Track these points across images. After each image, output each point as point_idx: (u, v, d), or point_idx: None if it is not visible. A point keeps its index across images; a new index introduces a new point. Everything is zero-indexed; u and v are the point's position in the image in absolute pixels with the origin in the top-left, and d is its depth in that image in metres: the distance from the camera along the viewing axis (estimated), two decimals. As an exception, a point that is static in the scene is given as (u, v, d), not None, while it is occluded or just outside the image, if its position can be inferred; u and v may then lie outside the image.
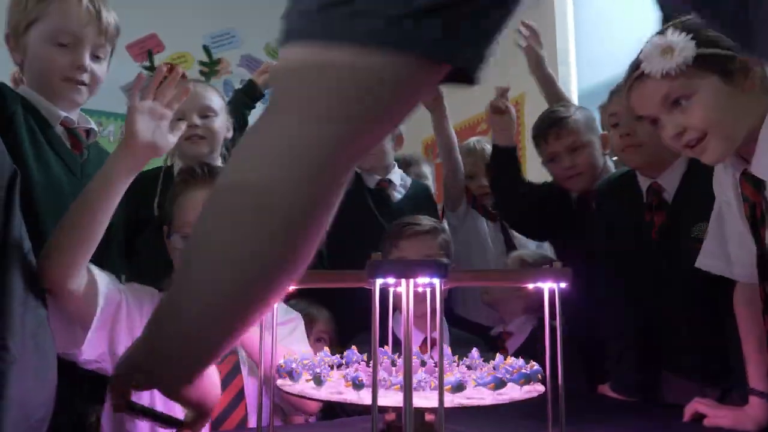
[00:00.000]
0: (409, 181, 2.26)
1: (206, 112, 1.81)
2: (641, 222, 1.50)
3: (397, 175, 2.22)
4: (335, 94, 0.50)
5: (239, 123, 2.07)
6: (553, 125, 1.82)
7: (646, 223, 1.48)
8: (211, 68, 3.20)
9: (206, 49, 2.30)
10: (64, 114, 1.38)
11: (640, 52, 1.13)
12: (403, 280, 0.66)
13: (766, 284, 1.14)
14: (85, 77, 1.37)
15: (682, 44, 1.06)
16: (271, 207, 0.54)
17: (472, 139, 2.47)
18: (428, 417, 0.86)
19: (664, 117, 1.14)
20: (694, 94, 1.09)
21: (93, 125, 1.48)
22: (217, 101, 1.86)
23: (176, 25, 4.00)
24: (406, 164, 2.59)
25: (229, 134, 1.92)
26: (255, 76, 2.27)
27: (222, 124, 1.87)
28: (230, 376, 1.24)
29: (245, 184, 0.54)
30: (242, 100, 2.24)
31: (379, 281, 0.68)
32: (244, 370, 1.27)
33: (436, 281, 0.67)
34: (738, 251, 1.18)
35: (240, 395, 1.24)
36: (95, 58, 1.38)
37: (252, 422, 1.23)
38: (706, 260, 1.26)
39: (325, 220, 0.57)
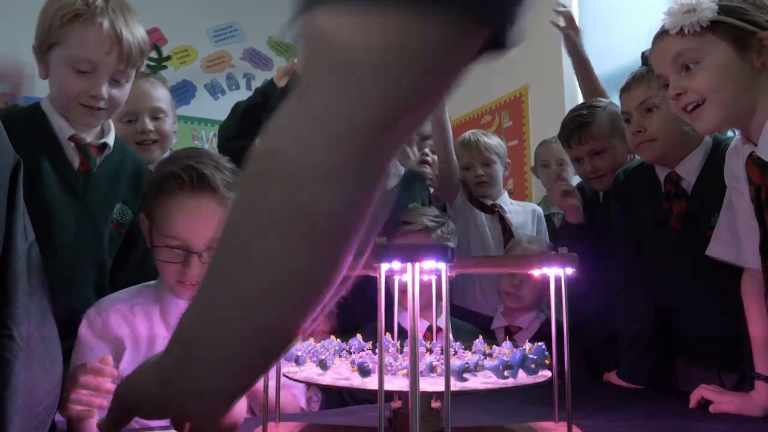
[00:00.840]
0: (402, 169, 2.24)
1: (157, 114, 1.79)
2: (659, 211, 1.49)
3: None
4: (375, 67, 0.45)
5: (252, 128, 1.87)
6: (575, 131, 1.82)
7: (664, 211, 1.48)
8: (158, 63, 3.05)
9: (156, 47, 2.12)
10: (72, 131, 1.38)
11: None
12: (409, 264, 0.66)
13: None
14: (102, 104, 1.35)
15: (705, 5, 1.11)
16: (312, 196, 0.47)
17: (468, 132, 2.46)
18: (434, 404, 0.85)
19: (671, 77, 1.17)
20: (703, 59, 1.12)
21: (108, 139, 1.46)
22: (165, 98, 1.83)
23: (179, 18, 4.00)
24: (423, 138, 2.58)
25: (175, 127, 1.91)
26: (276, 78, 2.06)
27: (172, 121, 1.85)
28: None
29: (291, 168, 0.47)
30: (260, 104, 1.98)
31: (384, 266, 0.67)
32: None
33: (442, 266, 0.67)
34: (747, 238, 1.18)
35: None
36: (115, 82, 1.36)
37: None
38: (717, 247, 1.26)
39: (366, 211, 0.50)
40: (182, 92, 4.05)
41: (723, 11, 1.11)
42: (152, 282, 1.35)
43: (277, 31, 4.23)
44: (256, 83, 4.30)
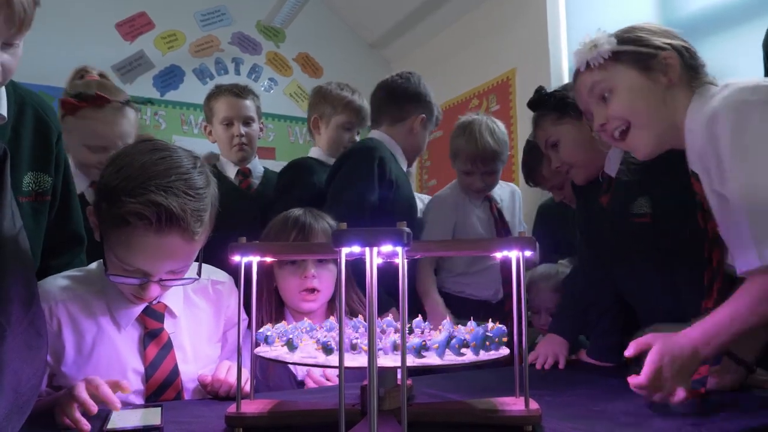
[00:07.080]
0: (262, 169, 2.42)
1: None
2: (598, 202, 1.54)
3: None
4: None
5: None
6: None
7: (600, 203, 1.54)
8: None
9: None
10: None
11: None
12: (367, 249, 0.70)
13: None
14: None
15: (603, 40, 1.21)
16: None
17: (476, 132, 2.23)
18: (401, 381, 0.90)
19: (594, 109, 1.26)
20: (615, 87, 1.21)
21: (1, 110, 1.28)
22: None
23: (166, 2, 3.99)
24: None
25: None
26: None
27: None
28: (162, 353, 1.23)
29: None
30: None
31: (344, 250, 0.71)
32: (177, 349, 1.26)
33: (399, 249, 0.71)
34: None
35: (175, 371, 1.23)
36: (7, 46, 1.12)
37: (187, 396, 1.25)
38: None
39: None
40: (170, 77, 4.06)
41: (621, 42, 1.21)
42: (94, 267, 1.30)
43: (265, 15, 4.22)
44: (245, 68, 4.30)
